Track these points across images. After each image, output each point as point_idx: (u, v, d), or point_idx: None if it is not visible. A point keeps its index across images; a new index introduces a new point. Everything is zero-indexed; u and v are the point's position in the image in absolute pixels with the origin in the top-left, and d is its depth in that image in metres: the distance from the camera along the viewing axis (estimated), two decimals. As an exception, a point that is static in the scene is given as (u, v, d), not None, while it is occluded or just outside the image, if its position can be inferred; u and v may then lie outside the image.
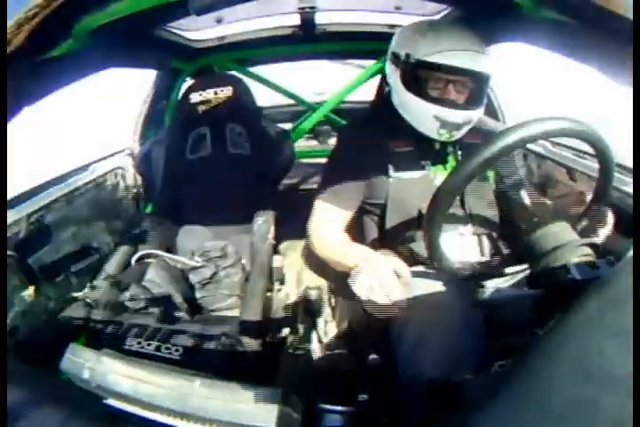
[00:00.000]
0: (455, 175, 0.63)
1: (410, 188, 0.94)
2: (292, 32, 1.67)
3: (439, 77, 0.89)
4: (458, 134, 0.92)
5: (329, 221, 0.98)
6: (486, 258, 0.94)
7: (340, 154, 1.03)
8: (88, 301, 1.21)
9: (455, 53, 0.84)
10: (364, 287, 0.70)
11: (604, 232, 0.78)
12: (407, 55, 0.89)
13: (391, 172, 0.94)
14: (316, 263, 1.07)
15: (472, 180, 0.63)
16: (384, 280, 0.70)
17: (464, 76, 0.88)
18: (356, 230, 1.04)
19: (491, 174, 1.00)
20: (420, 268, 0.89)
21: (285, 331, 1.09)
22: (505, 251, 0.93)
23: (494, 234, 0.96)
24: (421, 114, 0.91)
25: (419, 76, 0.90)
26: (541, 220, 0.70)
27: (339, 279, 0.92)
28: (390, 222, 0.95)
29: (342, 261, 0.87)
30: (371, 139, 0.97)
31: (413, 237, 0.93)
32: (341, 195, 0.97)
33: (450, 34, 0.88)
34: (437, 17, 1.44)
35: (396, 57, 0.93)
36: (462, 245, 0.93)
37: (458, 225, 0.94)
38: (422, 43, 0.88)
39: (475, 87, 0.91)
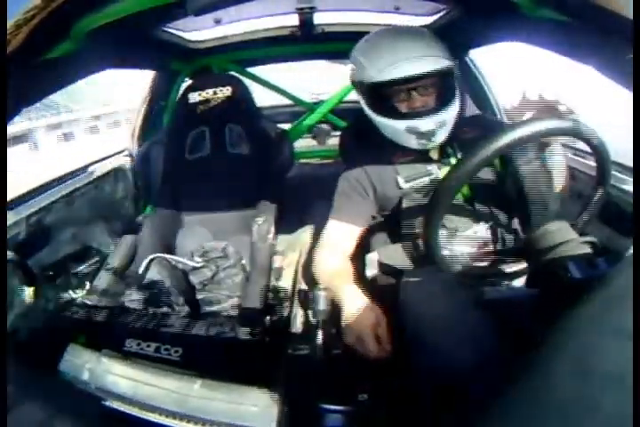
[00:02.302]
0: (452, 175, 0.63)
1: (422, 195, 0.94)
2: (290, 32, 1.66)
3: (399, 90, 0.90)
4: (439, 138, 0.92)
5: (335, 244, 0.98)
6: (492, 256, 0.94)
7: (349, 173, 1.03)
8: (88, 302, 1.21)
9: (403, 63, 0.85)
10: (349, 337, 0.80)
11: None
12: (361, 82, 0.92)
13: (402, 184, 0.95)
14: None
15: (469, 178, 0.63)
16: (363, 341, 0.78)
17: (421, 80, 0.88)
18: (363, 238, 1.04)
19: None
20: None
21: (285, 331, 1.09)
22: (511, 247, 0.93)
23: (504, 230, 0.96)
24: (395, 131, 0.92)
25: (380, 97, 0.92)
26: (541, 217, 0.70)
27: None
28: (406, 232, 0.94)
29: (333, 292, 0.90)
30: (375, 156, 0.98)
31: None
32: (352, 216, 0.98)
33: (391, 47, 0.89)
34: (435, 17, 1.44)
35: (355, 86, 0.96)
36: (474, 243, 0.93)
37: (470, 224, 0.94)
38: (369, 65, 0.89)
39: (438, 86, 0.91)
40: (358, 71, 0.93)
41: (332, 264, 0.96)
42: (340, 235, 0.98)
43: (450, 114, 0.91)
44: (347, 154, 1.09)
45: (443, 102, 0.91)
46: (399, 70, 0.85)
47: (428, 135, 0.90)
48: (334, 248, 0.98)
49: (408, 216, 0.94)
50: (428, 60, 0.86)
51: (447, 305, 0.78)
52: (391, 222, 0.98)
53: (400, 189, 0.95)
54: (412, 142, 0.92)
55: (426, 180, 0.95)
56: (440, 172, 0.96)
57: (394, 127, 0.92)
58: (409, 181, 0.95)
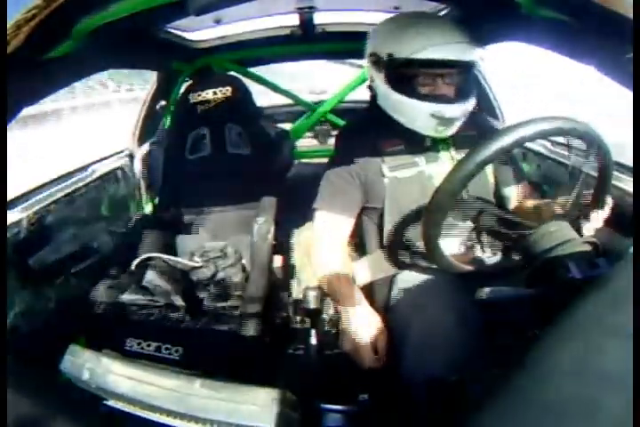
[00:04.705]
0: (454, 175, 0.62)
1: (406, 187, 0.93)
2: (290, 32, 1.67)
3: (428, 73, 0.87)
4: (454, 128, 0.92)
5: (330, 236, 0.97)
6: (487, 256, 0.94)
7: (336, 161, 1.02)
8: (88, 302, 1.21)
9: (444, 47, 0.83)
10: (346, 345, 0.82)
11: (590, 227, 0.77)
12: (390, 55, 0.87)
13: (386, 172, 0.94)
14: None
15: (471, 179, 0.63)
16: (360, 351, 0.80)
17: (453, 68, 0.87)
18: (356, 235, 1.03)
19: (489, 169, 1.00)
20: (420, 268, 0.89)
21: (285, 331, 1.09)
22: (505, 248, 0.93)
23: (494, 231, 0.96)
24: (417, 114, 0.89)
25: (407, 75, 0.88)
26: (539, 218, 0.71)
27: None
28: (389, 224, 0.94)
29: (334, 296, 0.90)
30: (363, 143, 0.96)
31: (412, 238, 0.93)
32: (341, 204, 0.96)
33: (431, 27, 0.86)
34: (436, 16, 1.43)
35: (377, 58, 0.91)
36: (462, 244, 0.93)
37: (469, 223, 0.94)
38: (406, 40, 0.86)
39: (463, 78, 0.90)
40: (388, 44, 0.88)
41: (330, 262, 0.94)
42: (331, 225, 0.97)
43: (471, 105, 0.91)
44: (337, 148, 1.08)
45: (464, 93, 0.90)
46: (447, 52, 0.83)
47: (449, 122, 0.89)
48: (329, 241, 0.96)
49: (392, 211, 0.93)
50: (468, 50, 0.85)
51: (444, 307, 0.78)
52: (378, 219, 0.97)
53: (383, 176, 0.94)
54: (430, 127, 0.90)
55: (411, 171, 0.94)
56: (427, 165, 0.95)
57: (417, 109, 0.88)
58: (393, 169, 0.94)
